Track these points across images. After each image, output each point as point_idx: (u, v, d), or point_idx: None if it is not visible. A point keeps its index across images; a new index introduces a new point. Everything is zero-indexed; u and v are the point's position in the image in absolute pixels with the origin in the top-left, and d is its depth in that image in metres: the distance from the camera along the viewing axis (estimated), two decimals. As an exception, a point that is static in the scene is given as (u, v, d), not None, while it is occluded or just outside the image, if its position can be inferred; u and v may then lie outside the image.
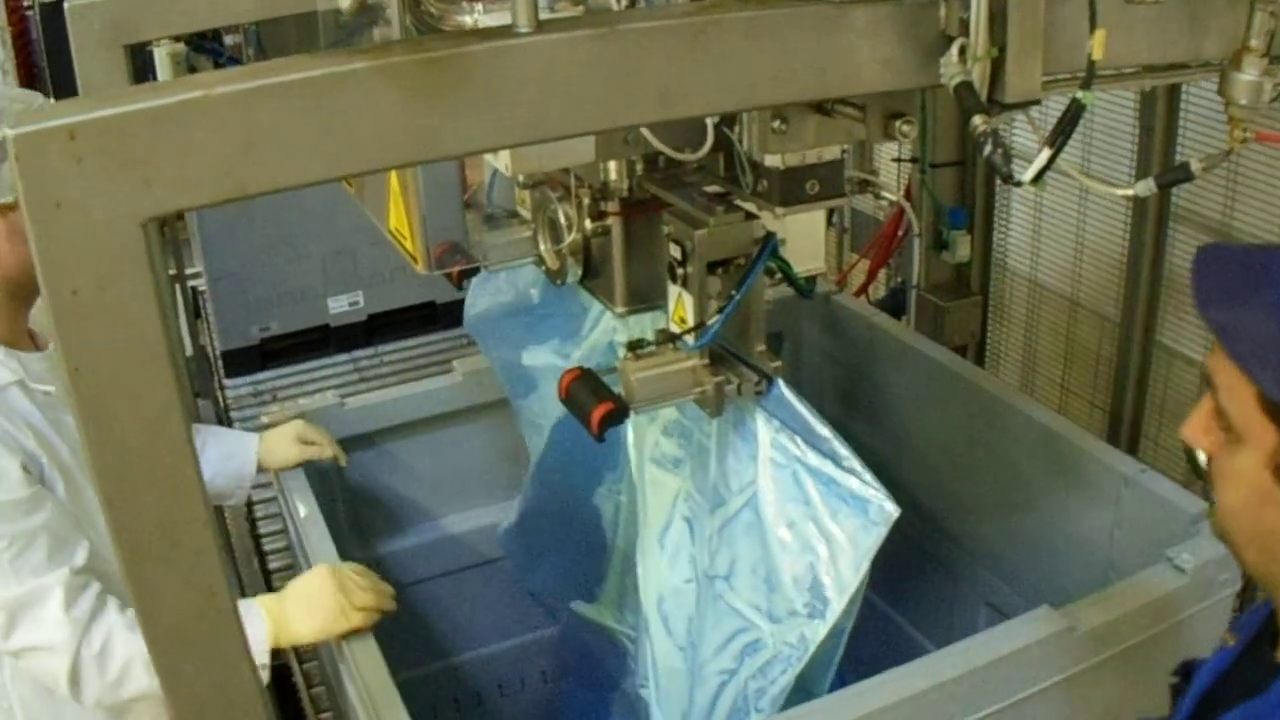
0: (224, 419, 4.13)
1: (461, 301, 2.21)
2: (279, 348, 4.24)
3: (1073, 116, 0.98)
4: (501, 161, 1.31)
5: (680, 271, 1.51)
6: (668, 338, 1.58)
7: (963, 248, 2.87)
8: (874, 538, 1.49)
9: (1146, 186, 1.20)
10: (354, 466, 2.28)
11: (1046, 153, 0.99)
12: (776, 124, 1.26)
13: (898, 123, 1.22)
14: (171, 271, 4.90)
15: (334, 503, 2.25)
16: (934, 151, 2.87)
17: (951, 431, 2.18)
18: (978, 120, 1.01)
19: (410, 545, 2.37)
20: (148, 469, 0.91)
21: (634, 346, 1.58)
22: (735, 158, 1.39)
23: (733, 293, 1.50)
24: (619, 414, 1.53)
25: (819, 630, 1.53)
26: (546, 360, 2.01)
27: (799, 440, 1.57)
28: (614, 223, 1.58)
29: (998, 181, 3.01)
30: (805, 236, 1.63)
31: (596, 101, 0.93)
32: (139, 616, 0.95)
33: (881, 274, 3.20)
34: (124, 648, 1.57)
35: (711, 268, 1.50)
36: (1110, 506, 1.85)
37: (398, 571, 2.37)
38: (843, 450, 1.53)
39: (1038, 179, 1.00)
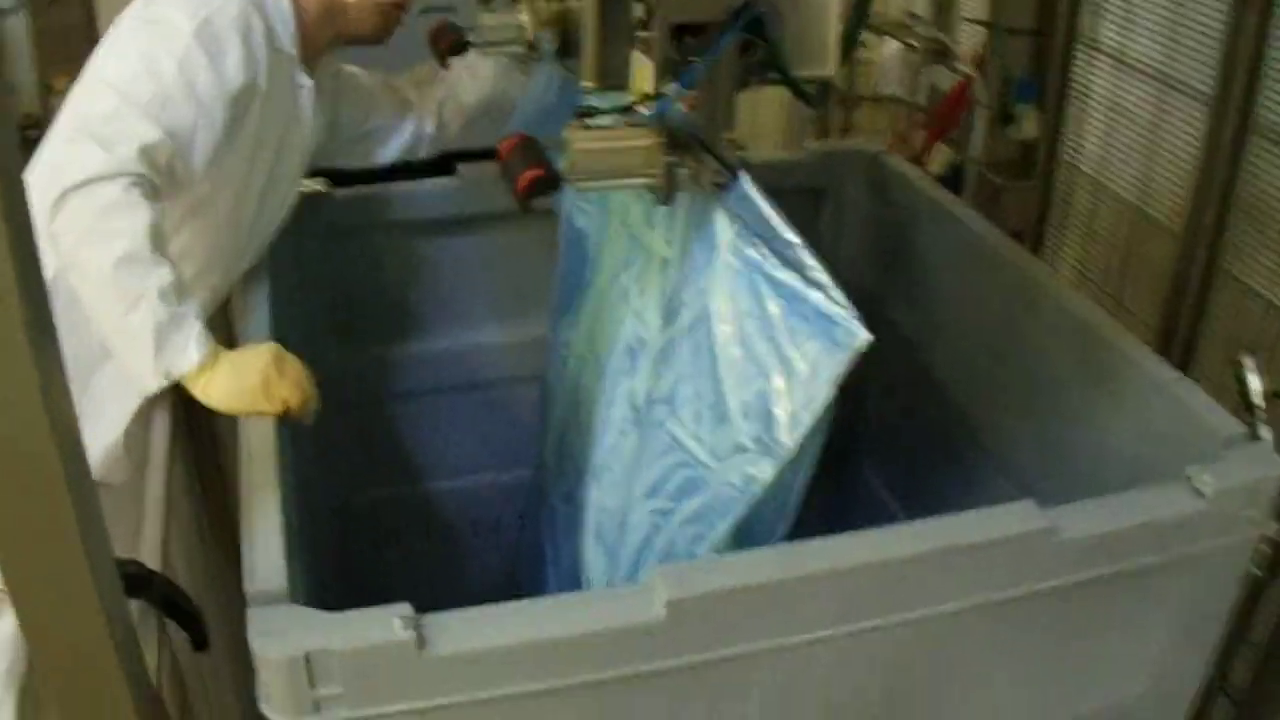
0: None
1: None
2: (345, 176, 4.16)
3: None
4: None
5: (642, 35, 1.29)
6: (623, 109, 1.36)
7: (1030, 124, 2.54)
8: (838, 364, 1.27)
9: None
10: (336, 262, 2.13)
11: None
12: None
13: None
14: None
15: (312, 299, 2.11)
16: (1008, 16, 2.53)
17: (986, 313, 1.93)
18: None
19: (393, 355, 2.22)
20: None
21: (584, 114, 1.37)
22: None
23: (693, 59, 1.26)
24: (549, 182, 1.33)
25: (766, 470, 1.33)
26: None
27: (761, 245, 1.34)
28: (586, -15, 1.35)
29: (1077, 57, 2.64)
30: (811, 26, 1.38)
31: None
32: None
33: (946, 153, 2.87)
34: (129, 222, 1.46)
35: (679, 32, 1.27)
36: (1139, 415, 1.60)
37: (376, 381, 2.24)
38: (810, 259, 1.30)
39: None
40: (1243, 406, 1.75)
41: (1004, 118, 2.58)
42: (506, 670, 1.18)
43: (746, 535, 1.41)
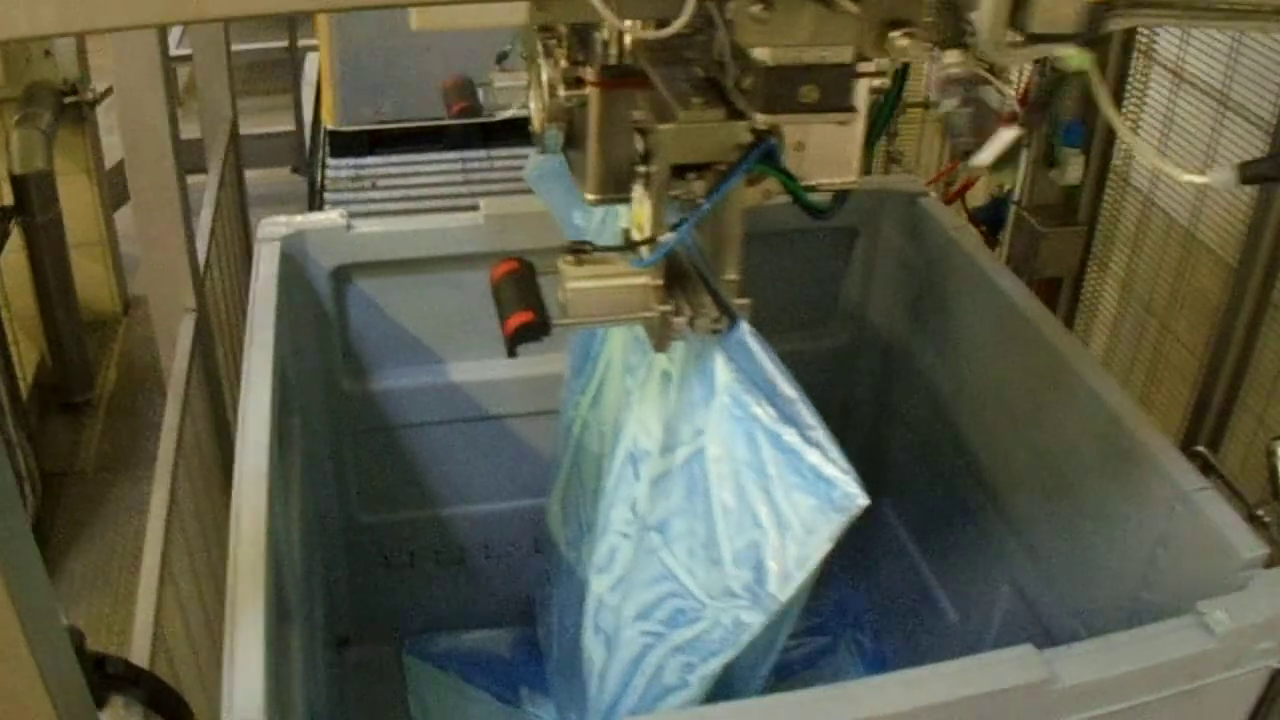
0: (318, 200, 4.05)
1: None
2: (390, 136, 4.13)
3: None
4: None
5: (642, 170, 1.22)
6: (622, 245, 1.30)
7: (1074, 169, 2.41)
8: (833, 526, 1.23)
9: (1224, 179, 0.87)
10: (355, 296, 2.11)
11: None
12: (756, 9, 0.95)
13: (895, 34, 0.90)
14: (283, 43, 4.79)
15: (329, 329, 2.10)
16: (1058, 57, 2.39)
17: (1012, 382, 1.86)
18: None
19: (408, 386, 2.20)
20: None
21: (576, 249, 1.31)
22: (720, 43, 1.08)
23: (702, 203, 1.20)
24: (537, 329, 1.29)
25: (756, 619, 1.30)
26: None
27: (759, 395, 1.29)
28: (591, 94, 1.28)
29: (1127, 95, 2.51)
30: (834, 140, 1.31)
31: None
32: None
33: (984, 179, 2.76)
34: None
35: (681, 171, 1.21)
36: (1158, 520, 1.54)
37: (391, 411, 2.23)
38: (809, 418, 1.25)
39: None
40: (1270, 493, 1.69)
41: (1048, 160, 2.46)
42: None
43: (731, 671, 1.39)
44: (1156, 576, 1.56)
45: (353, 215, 3.86)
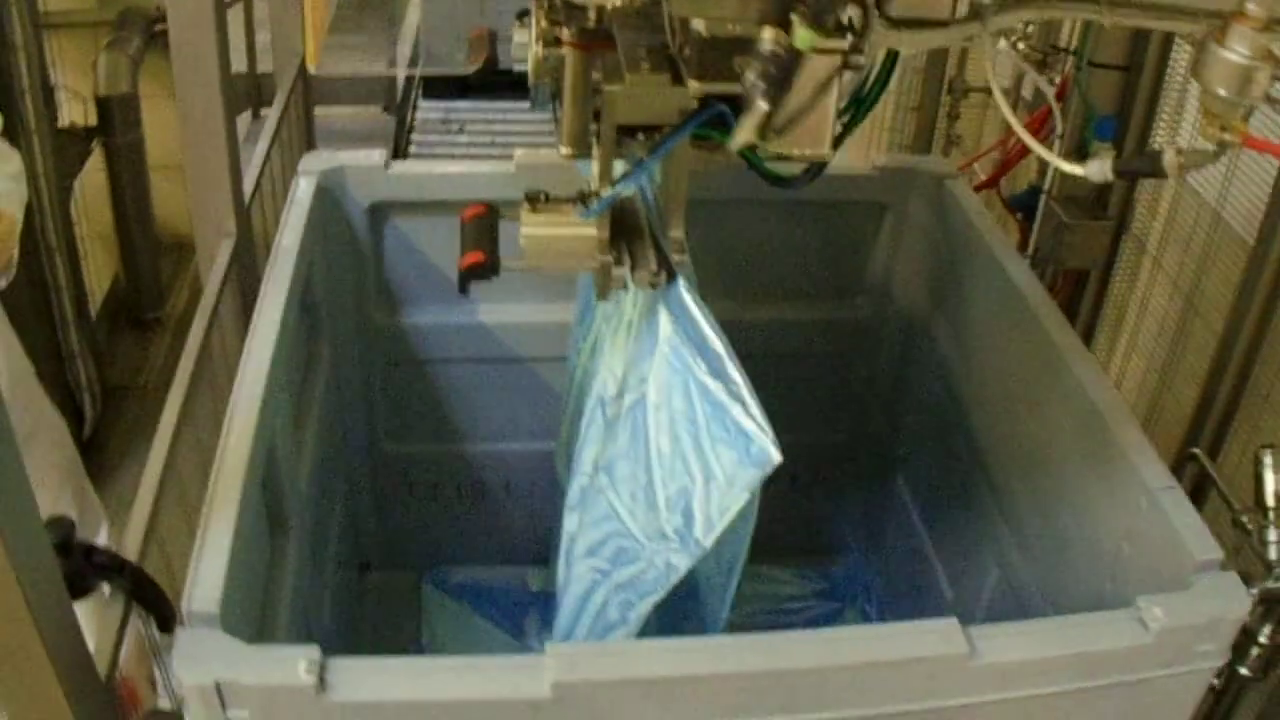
0: (404, 140, 4.15)
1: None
2: (482, 82, 4.21)
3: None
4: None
5: (593, 128, 1.26)
6: (575, 197, 1.35)
7: (1102, 163, 2.34)
8: (750, 479, 1.27)
9: (1100, 170, 0.88)
10: (390, 232, 2.19)
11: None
12: (688, -24, 0.98)
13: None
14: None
15: (363, 263, 2.18)
16: (1096, 49, 2.33)
17: (1011, 369, 1.86)
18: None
19: (437, 323, 2.28)
20: None
21: (533, 197, 1.36)
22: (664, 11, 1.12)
23: (643, 158, 1.24)
24: (486, 269, 1.34)
25: (683, 562, 1.35)
26: None
27: (694, 350, 1.33)
28: (567, 54, 1.33)
29: (1164, 91, 2.42)
30: (808, 106, 1.31)
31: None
32: None
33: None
34: None
35: (630, 132, 1.24)
36: (1125, 515, 1.54)
37: (421, 345, 2.31)
38: (735, 374, 1.29)
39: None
40: (1255, 503, 1.66)
41: (1079, 153, 2.41)
42: (401, 721, 1.25)
43: (690, 608, 1.43)
44: (1120, 570, 1.56)
45: (436, 157, 3.97)
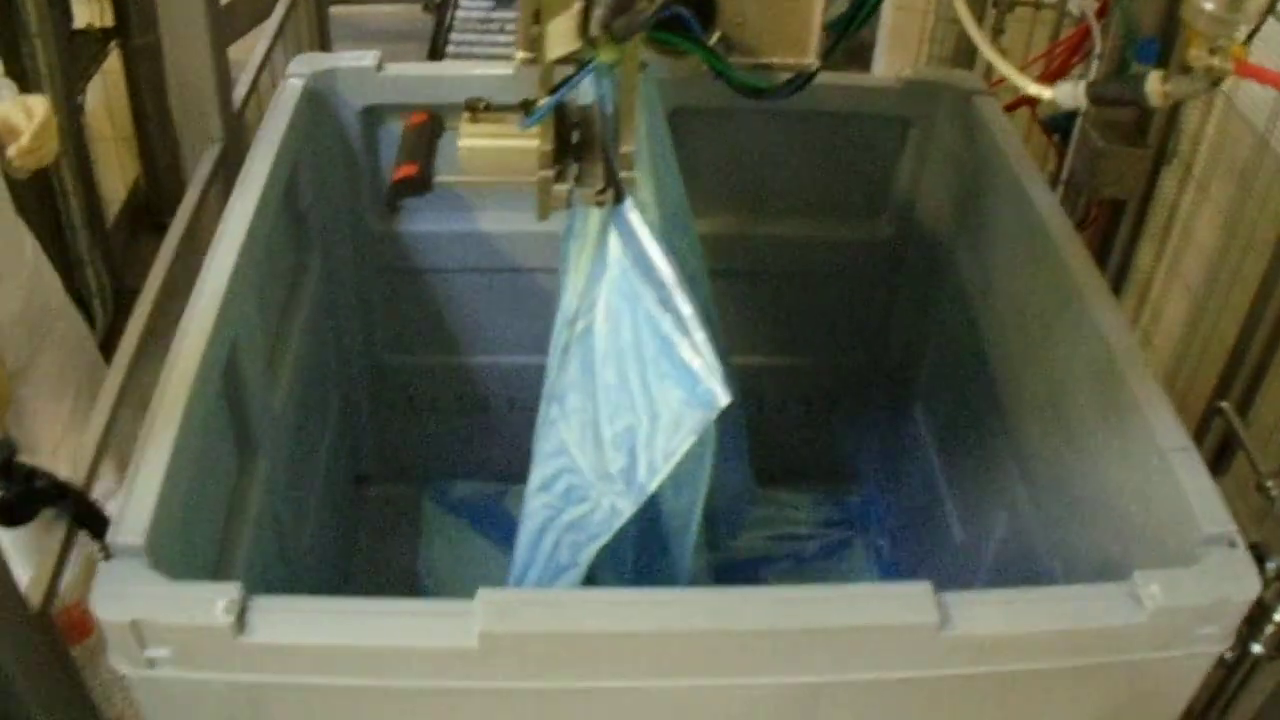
0: (441, 39, 4.01)
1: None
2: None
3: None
4: None
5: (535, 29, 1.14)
6: (516, 106, 1.23)
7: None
8: (696, 422, 1.17)
9: (1072, 95, 0.74)
10: (385, 137, 2.08)
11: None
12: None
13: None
14: None
15: (357, 168, 2.08)
16: None
17: (1029, 303, 1.72)
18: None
19: (435, 230, 2.17)
20: None
21: (472, 106, 1.24)
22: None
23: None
24: (418, 184, 1.23)
25: (627, 507, 1.26)
26: None
27: (642, 276, 1.21)
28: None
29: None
30: (784, 18, 1.18)
31: None
32: None
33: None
34: None
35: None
36: (1136, 475, 1.40)
37: (418, 253, 2.22)
38: (683, 306, 1.17)
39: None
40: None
41: (1119, 75, 2.18)
42: (322, 664, 1.18)
43: (656, 552, 1.34)
44: (1130, 534, 1.43)
45: (473, 57, 3.83)
